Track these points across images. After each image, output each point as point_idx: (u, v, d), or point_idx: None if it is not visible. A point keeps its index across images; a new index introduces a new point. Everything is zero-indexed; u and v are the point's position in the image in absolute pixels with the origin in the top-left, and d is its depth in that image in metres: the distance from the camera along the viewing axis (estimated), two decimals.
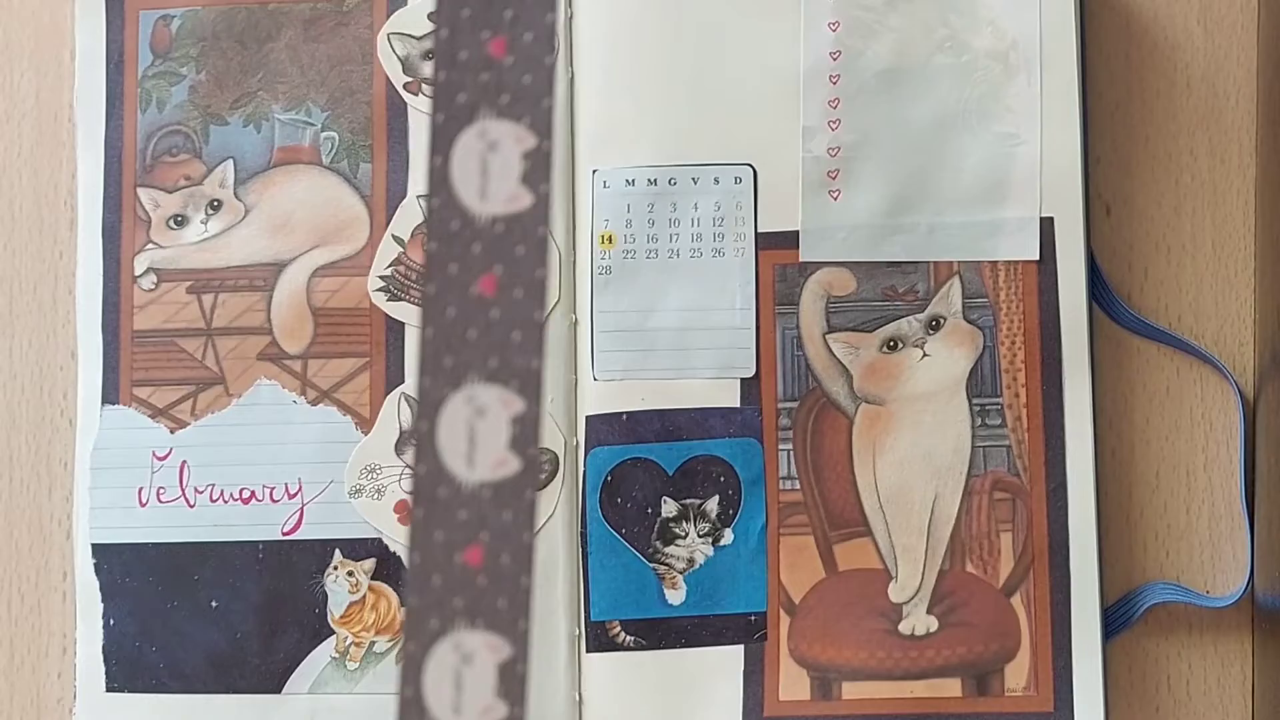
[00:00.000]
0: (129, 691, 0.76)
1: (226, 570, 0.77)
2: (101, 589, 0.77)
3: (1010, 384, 0.75)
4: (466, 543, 0.43)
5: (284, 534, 0.77)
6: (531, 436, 0.44)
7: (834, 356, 0.76)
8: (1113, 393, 0.77)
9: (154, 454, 0.78)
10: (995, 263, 0.76)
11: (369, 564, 0.77)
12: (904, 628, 0.75)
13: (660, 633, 0.75)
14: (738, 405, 0.76)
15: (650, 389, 0.76)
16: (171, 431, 0.78)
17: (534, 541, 0.43)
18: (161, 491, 0.77)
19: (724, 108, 0.77)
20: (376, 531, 0.77)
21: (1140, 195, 0.78)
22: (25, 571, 0.79)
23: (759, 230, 0.77)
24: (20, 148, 0.81)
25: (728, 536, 0.76)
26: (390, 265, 0.78)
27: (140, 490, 0.77)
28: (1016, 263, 0.76)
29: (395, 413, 0.77)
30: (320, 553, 0.77)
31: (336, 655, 0.76)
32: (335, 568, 0.77)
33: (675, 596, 0.76)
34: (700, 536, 0.76)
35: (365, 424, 0.77)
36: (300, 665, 0.77)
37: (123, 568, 0.77)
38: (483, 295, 0.44)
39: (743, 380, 0.76)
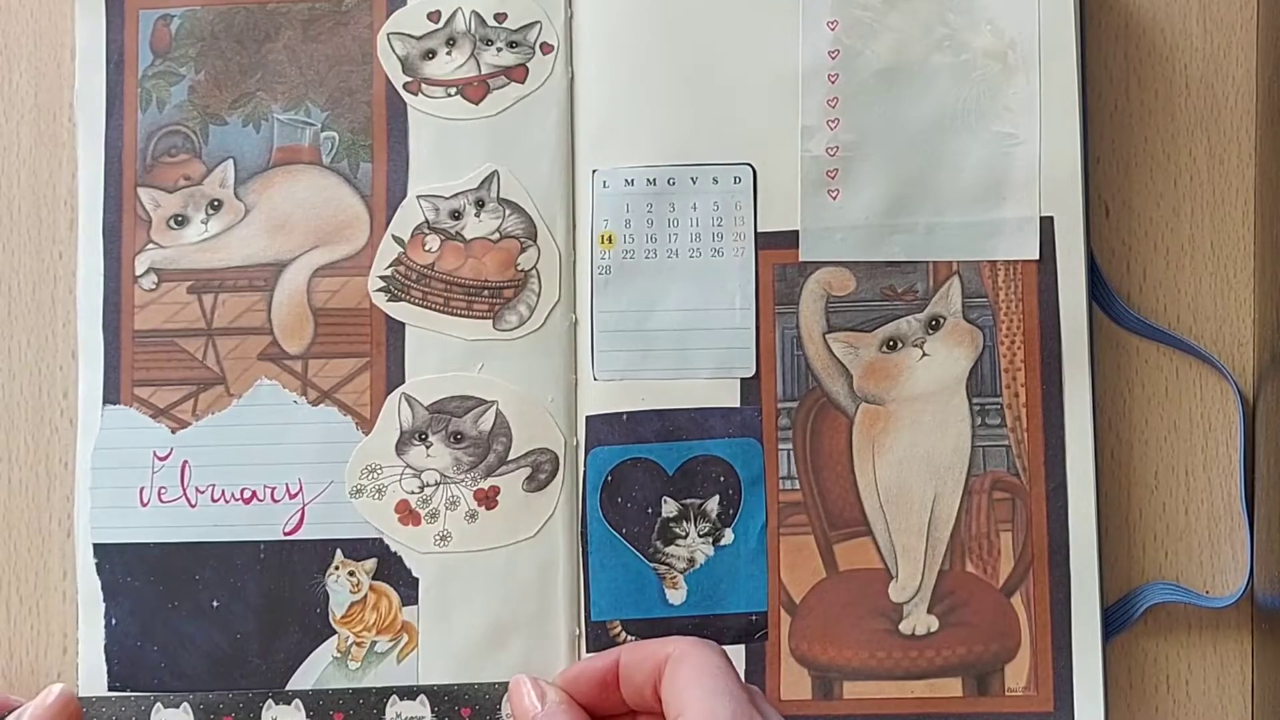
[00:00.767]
0: (131, 690, 0.77)
1: (228, 570, 0.77)
2: (103, 588, 0.77)
3: (1010, 384, 0.75)
4: None
5: (285, 534, 0.77)
6: None
7: (834, 356, 0.76)
8: (1112, 393, 0.77)
9: (155, 454, 0.78)
10: (995, 262, 0.76)
11: (370, 564, 0.77)
12: (904, 627, 0.75)
13: (661, 632, 0.75)
14: (738, 405, 0.76)
15: (650, 389, 0.76)
16: (173, 431, 0.78)
17: None
18: (163, 491, 0.77)
19: (723, 108, 0.77)
20: (377, 532, 0.77)
21: (1139, 196, 0.78)
22: (25, 572, 0.79)
23: (758, 230, 0.77)
24: (19, 148, 0.81)
25: (728, 536, 0.76)
26: (390, 265, 0.78)
27: (142, 490, 0.77)
28: (1016, 262, 0.76)
29: (396, 413, 0.77)
30: (321, 553, 0.77)
31: (338, 655, 0.77)
32: (336, 568, 0.77)
33: (676, 596, 0.76)
34: (701, 536, 0.76)
35: (366, 424, 0.77)
36: (302, 665, 0.77)
37: (124, 567, 0.77)
38: None
39: (742, 380, 0.76)
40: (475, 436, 0.77)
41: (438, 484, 0.77)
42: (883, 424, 0.76)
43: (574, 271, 0.77)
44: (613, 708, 0.69)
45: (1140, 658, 0.77)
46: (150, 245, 0.78)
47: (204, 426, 0.78)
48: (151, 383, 0.78)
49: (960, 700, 0.75)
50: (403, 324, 0.77)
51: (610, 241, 0.77)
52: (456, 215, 0.77)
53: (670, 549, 0.76)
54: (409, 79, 0.78)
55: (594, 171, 0.77)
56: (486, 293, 0.77)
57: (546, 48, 0.78)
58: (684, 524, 0.76)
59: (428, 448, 0.77)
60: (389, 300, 0.78)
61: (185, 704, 0.76)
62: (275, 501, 0.77)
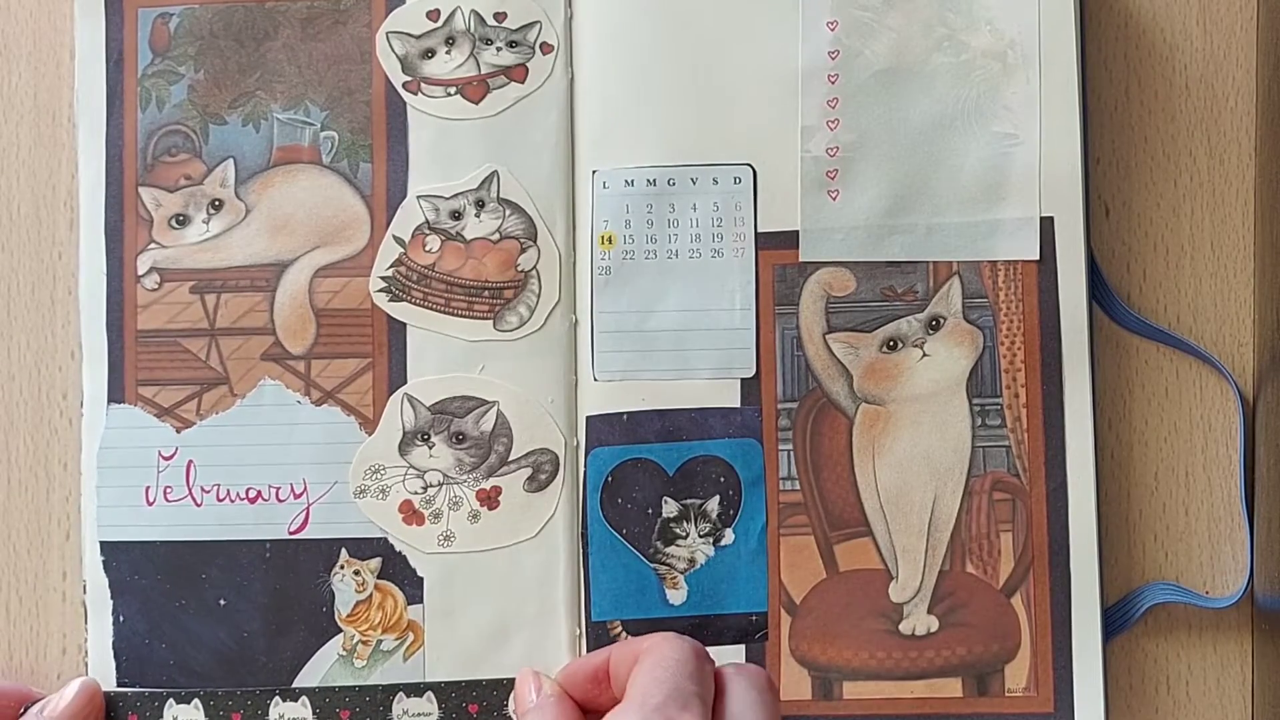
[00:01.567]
0: (139, 687, 0.77)
1: (234, 569, 0.77)
2: (111, 586, 0.77)
3: (1010, 384, 0.75)
4: None
5: (290, 533, 0.77)
6: None
7: (834, 356, 0.76)
8: (1112, 393, 0.77)
9: (160, 453, 0.78)
10: (995, 263, 0.76)
11: (375, 563, 0.77)
12: (904, 628, 0.76)
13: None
14: (738, 405, 0.76)
15: (650, 389, 0.76)
16: (177, 431, 0.78)
17: None
18: (168, 491, 0.78)
19: (723, 108, 0.77)
20: (382, 531, 0.77)
21: (1139, 196, 0.78)
22: (25, 572, 0.80)
23: (758, 230, 0.77)
24: (18, 148, 0.81)
25: (728, 537, 0.76)
26: (391, 266, 0.78)
27: (147, 489, 0.78)
28: (1016, 262, 0.76)
29: (398, 413, 0.77)
30: (326, 552, 0.77)
31: (344, 653, 0.77)
32: (342, 567, 0.77)
33: (676, 597, 0.76)
34: (701, 537, 0.76)
35: (369, 424, 0.77)
36: (308, 663, 0.77)
37: (131, 566, 0.77)
38: None
39: (743, 380, 0.76)
40: (477, 437, 0.77)
41: (440, 484, 0.77)
42: (883, 424, 0.76)
43: (574, 272, 0.77)
44: (607, 702, 0.70)
45: (1140, 658, 0.77)
46: (152, 245, 0.78)
47: (208, 426, 0.78)
48: (155, 382, 0.78)
49: (960, 701, 0.75)
50: (404, 324, 0.78)
51: (610, 242, 0.77)
52: (457, 215, 0.77)
53: (670, 549, 0.76)
54: (408, 78, 0.78)
55: (594, 172, 0.77)
56: (487, 293, 0.77)
57: (546, 48, 0.78)
58: (684, 524, 0.76)
59: (430, 448, 0.77)
60: (390, 301, 0.78)
61: (196, 700, 0.77)
62: (280, 501, 0.77)
